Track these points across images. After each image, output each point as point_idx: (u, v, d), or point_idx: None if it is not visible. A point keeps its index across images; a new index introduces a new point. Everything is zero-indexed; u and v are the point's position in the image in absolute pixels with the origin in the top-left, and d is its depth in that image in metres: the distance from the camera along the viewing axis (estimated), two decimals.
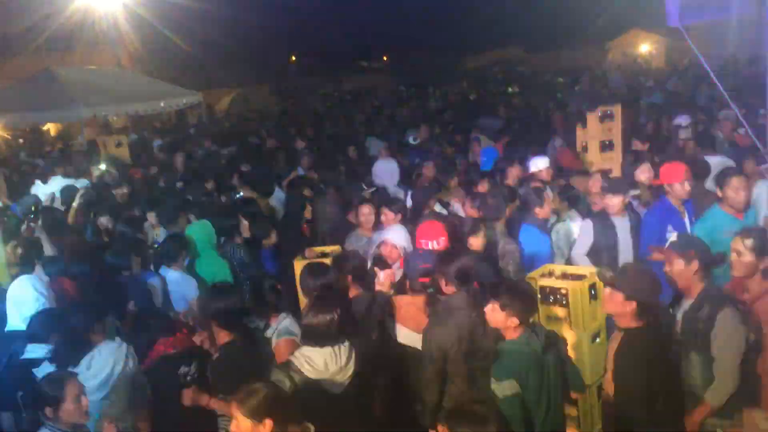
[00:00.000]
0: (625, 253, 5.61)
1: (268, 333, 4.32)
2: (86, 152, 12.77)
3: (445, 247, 4.78)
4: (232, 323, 4.09)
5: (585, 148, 8.44)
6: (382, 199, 6.46)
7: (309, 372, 3.52)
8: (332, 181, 7.91)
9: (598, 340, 4.41)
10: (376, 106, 19.75)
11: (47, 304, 4.79)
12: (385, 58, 48.35)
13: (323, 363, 3.55)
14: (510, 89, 20.19)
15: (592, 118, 8.44)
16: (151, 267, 5.80)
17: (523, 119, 12.55)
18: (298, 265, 5.13)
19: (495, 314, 3.64)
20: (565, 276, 4.61)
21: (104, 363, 4.08)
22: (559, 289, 4.44)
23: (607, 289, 3.71)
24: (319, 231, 6.90)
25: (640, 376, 3.58)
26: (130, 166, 11.23)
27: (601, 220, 5.73)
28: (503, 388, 3.51)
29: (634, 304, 3.56)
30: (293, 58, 48.14)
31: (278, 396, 3.04)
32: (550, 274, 4.69)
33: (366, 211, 5.98)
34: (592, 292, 4.39)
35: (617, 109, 8.53)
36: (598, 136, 8.34)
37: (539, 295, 4.53)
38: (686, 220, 5.67)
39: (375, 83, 31.47)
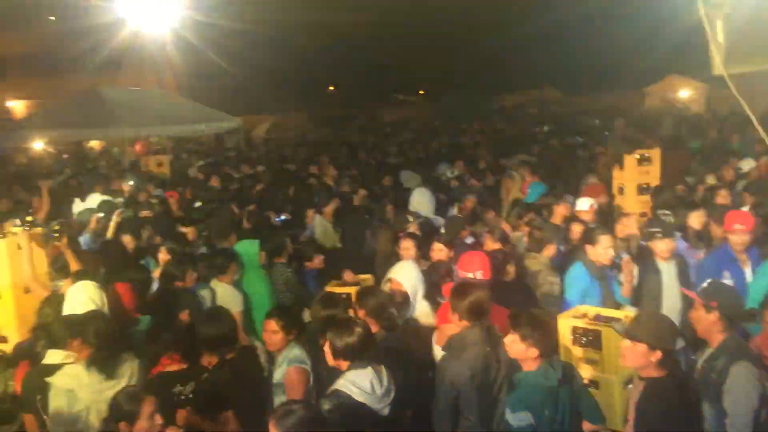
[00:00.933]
0: (671, 299, 5.43)
1: (279, 360, 4.32)
2: (128, 171, 13.08)
3: (485, 278, 4.86)
4: (220, 349, 4.22)
5: (621, 190, 8.42)
6: (427, 231, 6.50)
7: (357, 395, 3.54)
8: (380, 212, 8.01)
9: (630, 386, 4.34)
10: (411, 139, 19.93)
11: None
12: (421, 92, 48.84)
13: (369, 385, 3.58)
14: (546, 128, 20.20)
15: (630, 160, 8.43)
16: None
17: (555, 157, 12.50)
18: (330, 289, 5.22)
19: (515, 345, 3.65)
20: (598, 318, 4.57)
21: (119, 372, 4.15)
22: (593, 331, 4.40)
23: (627, 342, 3.52)
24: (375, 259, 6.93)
25: (665, 425, 3.46)
26: (166, 186, 11.47)
27: (646, 263, 5.58)
28: (517, 418, 3.51)
29: (659, 354, 3.42)
30: (331, 87, 48.92)
31: (315, 417, 3.06)
32: (584, 315, 4.65)
33: (407, 245, 5.92)
34: None
35: (656, 153, 8.53)
36: (636, 178, 8.32)
37: (571, 337, 4.51)
38: (747, 270, 5.50)
39: (410, 116, 31.78)
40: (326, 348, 3.81)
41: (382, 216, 7.81)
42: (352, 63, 40.11)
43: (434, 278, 5.24)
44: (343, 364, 3.74)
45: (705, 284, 3.99)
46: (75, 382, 4.05)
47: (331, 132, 25.91)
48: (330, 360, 3.81)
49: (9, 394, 4.27)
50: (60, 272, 5.67)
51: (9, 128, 18.55)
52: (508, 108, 32.97)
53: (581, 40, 33.55)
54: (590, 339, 4.38)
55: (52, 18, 28.76)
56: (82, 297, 4.85)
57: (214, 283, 5.80)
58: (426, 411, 4.14)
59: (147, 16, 20.79)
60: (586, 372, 4.33)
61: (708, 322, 3.73)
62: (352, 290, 5.15)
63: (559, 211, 7.09)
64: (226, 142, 21.11)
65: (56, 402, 4.03)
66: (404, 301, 4.99)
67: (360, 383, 3.60)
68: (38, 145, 17.58)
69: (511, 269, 5.63)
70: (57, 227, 6.12)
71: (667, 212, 6.59)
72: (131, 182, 10.94)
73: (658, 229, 5.61)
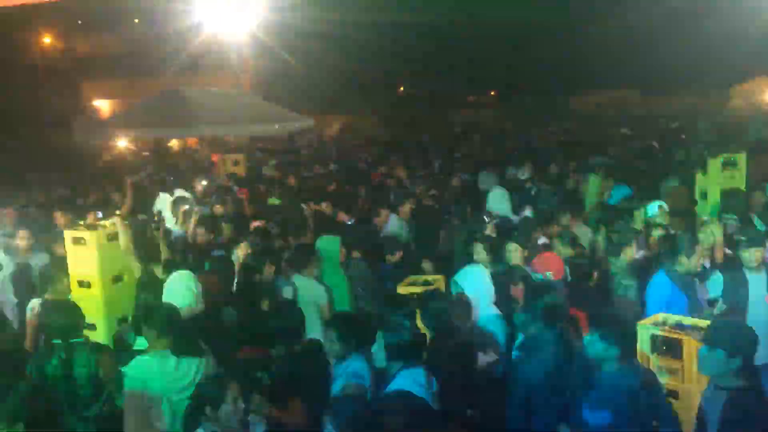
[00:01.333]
0: (759, 313, 5.14)
1: (338, 372, 4.20)
2: (206, 169, 13.52)
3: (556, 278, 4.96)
4: (288, 341, 4.40)
5: (704, 195, 8.09)
6: (503, 231, 6.47)
7: (418, 391, 3.57)
8: (459, 212, 7.98)
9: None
10: (482, 141, 19.77)
11: (194, 299, 5.08)
12: (492, 93, 48.33)
13: (426, 382, 3.61)
14: (623, 130, 19.59)
15: (714, 164, 8.10)
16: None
17: (633, 160, 12.11)
18: (401, 289, 5.24)
19: (595, 345, 3.64)
20: (679, 326, 4.42)
21: (189, 363, 4.24)
22: (673, 339, 4.27)
23: (705, 348, 3.40)
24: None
25: None
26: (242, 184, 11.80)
27: (733, 273, 5.30)
28: (597, 417, 3.53)
29: (738, 362, 3.28)
30: (401, 88, 49.07)
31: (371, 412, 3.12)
32: (664, 323, 4.51)
33: (478, 249, 5.89)
34: None
35: (741, 157, 8.15)
36: (720, 183, 7.98)
37: (650, 344, 4.38)
38: None
39: (482, 117, 31.52)
40: None
41: (462, 216, 7.75)
42: (423, 64, 40.12)
43: (508, 284, 5.20)
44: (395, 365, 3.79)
45: None
46: (147, 372, 4.16)
47: (401, 132, 25.98)
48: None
49: (92, 379, 4.38)
50: (147, 261, 5.92)
51: (95, 125, 19.52)
52: (584, 109, 32.19)
53: (662, 39, 32.45)
54: (670, 347, 4.25)
55: (137, 21, 30.02)
56: (180, 286, 5.09)
57: (297, 278, 5.97)
58: (494, 412, 4.13)
59: (225, 20, 21.54)
60: (664, 381, 4.21)
61: None
62: (419, 290, 5.17)
63: (639, 216, 6.88)
64: (298, 142, 21.52)
65: (129, 390, 4.17)
66: (465, 307, 4.93)
67: (418, 380, 3.63)
68: (122, 142, 18.40)
69: (595, 274, 5.77)
70: (155, 218, 6.48)
71: (732, 216, 6.33)
72: (206, 181, 11.32)
73: (746, 237, 5.34)
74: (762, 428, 3.30)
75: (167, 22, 23.39)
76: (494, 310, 5.07)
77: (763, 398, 3.42)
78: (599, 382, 3.61)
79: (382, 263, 6.59)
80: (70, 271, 5.90)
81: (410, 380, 3.64)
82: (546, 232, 6.88)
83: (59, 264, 6.01)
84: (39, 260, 6.89)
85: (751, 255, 5.22)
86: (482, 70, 41.57)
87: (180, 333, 4.29)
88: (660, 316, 4.67)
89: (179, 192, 9.82)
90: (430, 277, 5.79)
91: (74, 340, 4.46)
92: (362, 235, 6.82)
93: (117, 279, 6.01)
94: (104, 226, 6.07)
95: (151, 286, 5.49)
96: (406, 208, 8.19)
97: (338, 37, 28.91)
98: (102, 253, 5.92)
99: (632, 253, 5.75)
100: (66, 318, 4.53)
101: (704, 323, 4.43)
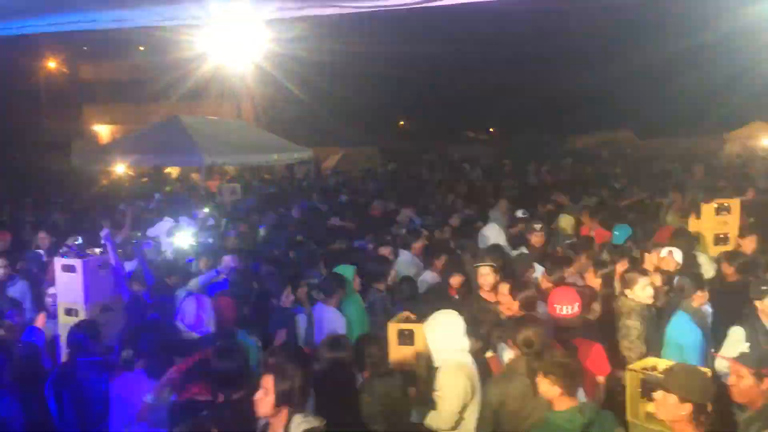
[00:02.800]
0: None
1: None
2: (203, 197, 13.56)
3: (578, 313, 4.99)
4: (227, 387, 3.94)
5: (697, 240, 8.10)
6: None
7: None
8: (471, 248, 7.97)
9: None
10: (480, 177, 19.85)
11: (203, 325, 5.21)
12: (491, 130, 48.75)
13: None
14: (617, 170, 19.70)
15: (708, 209, 8.14)
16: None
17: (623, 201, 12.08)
18: (392, 324, 5.05)
19: (541, 382, 3.79)
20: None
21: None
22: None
23: (660, 392, 3.44)
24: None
25: None
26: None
27: (754, 325, 5.05)
28: None
29: (689, 407, 3.31)
30: (401, 123, 49.49)
31: None
32: (653, 368, 4.47)
33: (484, 272, 5.93)
34: None
35: (735, 203, 8.20)
36: (713, 228, 8.00)
37: (639, 389, 4.35)
38: None
39: (480, 154, 31.66)
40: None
41: (473, 252, 7.71)
42: (423, 99, 40.55)
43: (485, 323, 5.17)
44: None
45: (745, 349, 3.76)
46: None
47: (400, 166, 26.08)
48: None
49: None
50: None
51: (94, 151, 19.62)
52: (580, 148, 32.39)
53: (659, 83, 32.93)
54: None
55: (142, 49, 30.35)
56: (191, 309, 5.25)
57: (320, 306, 5.95)
58: None
59: (228, 50, 21.73)
60: (655, 426, 4.17)
61: (752, 387, 3.54)
62: (416, 327, 4.96)
63: (650, 258, 6.80)
64: (297, 173, 21.60)
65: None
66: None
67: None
68: (120, 168, 18.45)
69: (597, 307, 5.72)
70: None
71: None
72: (206, 210, 11.35)
73: (765, 287, 5.11)
74: None
75: (171, 51, 23.62)
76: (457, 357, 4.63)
77: None
78: (545, 421, 3.76)
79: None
80: (58, 299, 5.87)
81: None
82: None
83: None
84: (16, 289, 6.85)
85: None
86: (482, 107, 42.02)
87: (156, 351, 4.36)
88: (650, 361, 4.64)
89: (168, 221, 9.86)
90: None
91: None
92: (382, 267, 6.73)
93: (106, 308, 5.96)
94: (95, 254, 6.05)
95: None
96: (419, 244, 8.15)
97: (340, 69, 29.24)
98: (91, 282, 5.89)
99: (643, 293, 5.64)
100: None
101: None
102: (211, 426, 3.28)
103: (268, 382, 3.37)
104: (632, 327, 5.48)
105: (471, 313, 5.18)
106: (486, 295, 5.94)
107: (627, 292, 5.64)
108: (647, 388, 4.25)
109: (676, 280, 5.96)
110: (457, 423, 4.44)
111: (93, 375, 4.64)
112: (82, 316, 5.77)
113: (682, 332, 5.24)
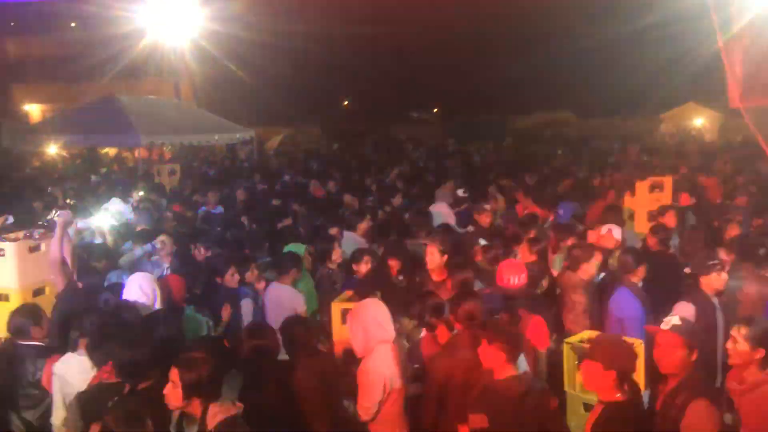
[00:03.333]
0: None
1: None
2: (141, 177, 13.19)
3: (525, 284, 5.14)
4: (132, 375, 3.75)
5: (632, 217, 8.37)
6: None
7: None
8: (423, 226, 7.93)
9: None
10: (424, 157, 19.92)
11: (149, 302, 5.09)
12: (435, 110, 48.95)
13: None
14: (559, 151, 20.13)
15: (642, 187, 8.40)
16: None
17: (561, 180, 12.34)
18: (334, 303, 5.08)
19: (485, 350, 3.83)
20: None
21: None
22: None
23: (586, 362, 3.56)
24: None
25: None
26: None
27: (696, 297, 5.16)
28: (474, 421, 3.76)
29: (613, 375, 3.43)
30: (345, 103, 49.20)
31: None
32: (589, 340, 4.60)
33: (431, 251, 5.86)
34: None
35: (668, 181, 8.49)
36: (647, 205, 8.27)
37: (577, 361, 4.47)
38: None
39: (424, 134, 31.80)
40: None
41: (428, 230, 7.67)
42: (367, 78, 40.35)
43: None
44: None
45: (676, 321, 3.83)
46: (67, 369, 4.22)
47: (343, 147, 25.96)
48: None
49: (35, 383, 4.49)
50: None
51: (25, 131, 18.81)
52: (521, 128, 32.96)
53: (600, 65, 33.67)
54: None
55: (74, 25, 29.16)
56: (134, 287, 5.14)
57: (275, 285, 5.89)
58: None
59: (166, 27, 21.13)
60: (589, 396, 4.30)
61: (683, 358, 3.57)
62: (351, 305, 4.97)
63: (591, 236, 6.94)
64: (239, 153, 21.25)
65: (55, 387, 4.23)
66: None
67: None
68: (52, 149, 17.77)
69: (544, 283, 5.90)
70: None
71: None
72: (142, 192, 11.03)
73: (716, 261, 5.26)
74: None
75: (106, 27, 22.74)
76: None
77: (638, 413, 3.54)
78: (485, 388, 3.82)
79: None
80: None
81: None
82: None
83: None
84: None
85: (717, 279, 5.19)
86: (426, 87, 42.13)
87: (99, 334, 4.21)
88: (586, 334, 4.76)
89: (115, 202, 9.56)
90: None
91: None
92: (331, 245, 6.71)
93: (38, 292, 5.75)
94: (26, 237, 5.81)
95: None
96: (364, 225, 8.09)
97: (281, 48, 28.79)
98: (22, 266, 5.67)
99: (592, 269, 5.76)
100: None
101: (632, 341, 4.54)
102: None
103: (174, 374, 3.34)
104: (577, 301, 5.62)
105: (409, 294, 5.25)
106: (433, 274, 5.96)
107: (583, 266, 5.75)
108: (579, 359, 4.40)
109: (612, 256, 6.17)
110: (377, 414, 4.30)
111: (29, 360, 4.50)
112: (15, 301, 5.55)
113: (624, 307, 5.32)
